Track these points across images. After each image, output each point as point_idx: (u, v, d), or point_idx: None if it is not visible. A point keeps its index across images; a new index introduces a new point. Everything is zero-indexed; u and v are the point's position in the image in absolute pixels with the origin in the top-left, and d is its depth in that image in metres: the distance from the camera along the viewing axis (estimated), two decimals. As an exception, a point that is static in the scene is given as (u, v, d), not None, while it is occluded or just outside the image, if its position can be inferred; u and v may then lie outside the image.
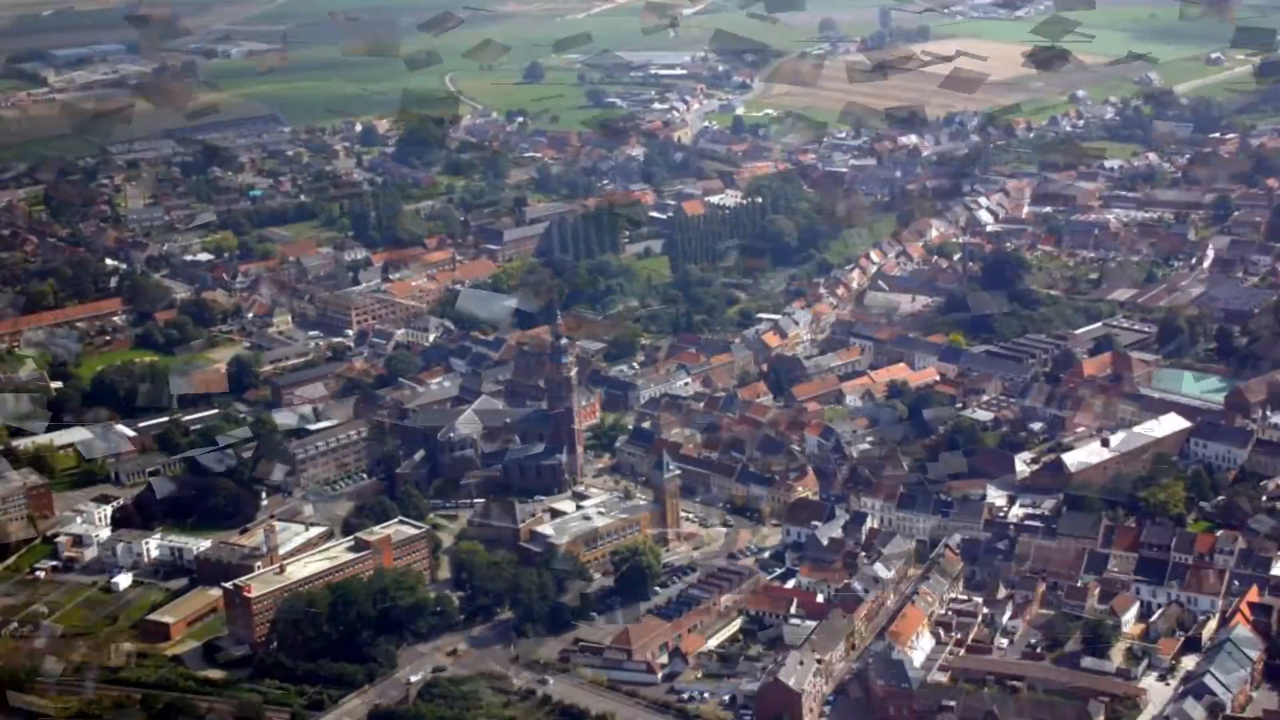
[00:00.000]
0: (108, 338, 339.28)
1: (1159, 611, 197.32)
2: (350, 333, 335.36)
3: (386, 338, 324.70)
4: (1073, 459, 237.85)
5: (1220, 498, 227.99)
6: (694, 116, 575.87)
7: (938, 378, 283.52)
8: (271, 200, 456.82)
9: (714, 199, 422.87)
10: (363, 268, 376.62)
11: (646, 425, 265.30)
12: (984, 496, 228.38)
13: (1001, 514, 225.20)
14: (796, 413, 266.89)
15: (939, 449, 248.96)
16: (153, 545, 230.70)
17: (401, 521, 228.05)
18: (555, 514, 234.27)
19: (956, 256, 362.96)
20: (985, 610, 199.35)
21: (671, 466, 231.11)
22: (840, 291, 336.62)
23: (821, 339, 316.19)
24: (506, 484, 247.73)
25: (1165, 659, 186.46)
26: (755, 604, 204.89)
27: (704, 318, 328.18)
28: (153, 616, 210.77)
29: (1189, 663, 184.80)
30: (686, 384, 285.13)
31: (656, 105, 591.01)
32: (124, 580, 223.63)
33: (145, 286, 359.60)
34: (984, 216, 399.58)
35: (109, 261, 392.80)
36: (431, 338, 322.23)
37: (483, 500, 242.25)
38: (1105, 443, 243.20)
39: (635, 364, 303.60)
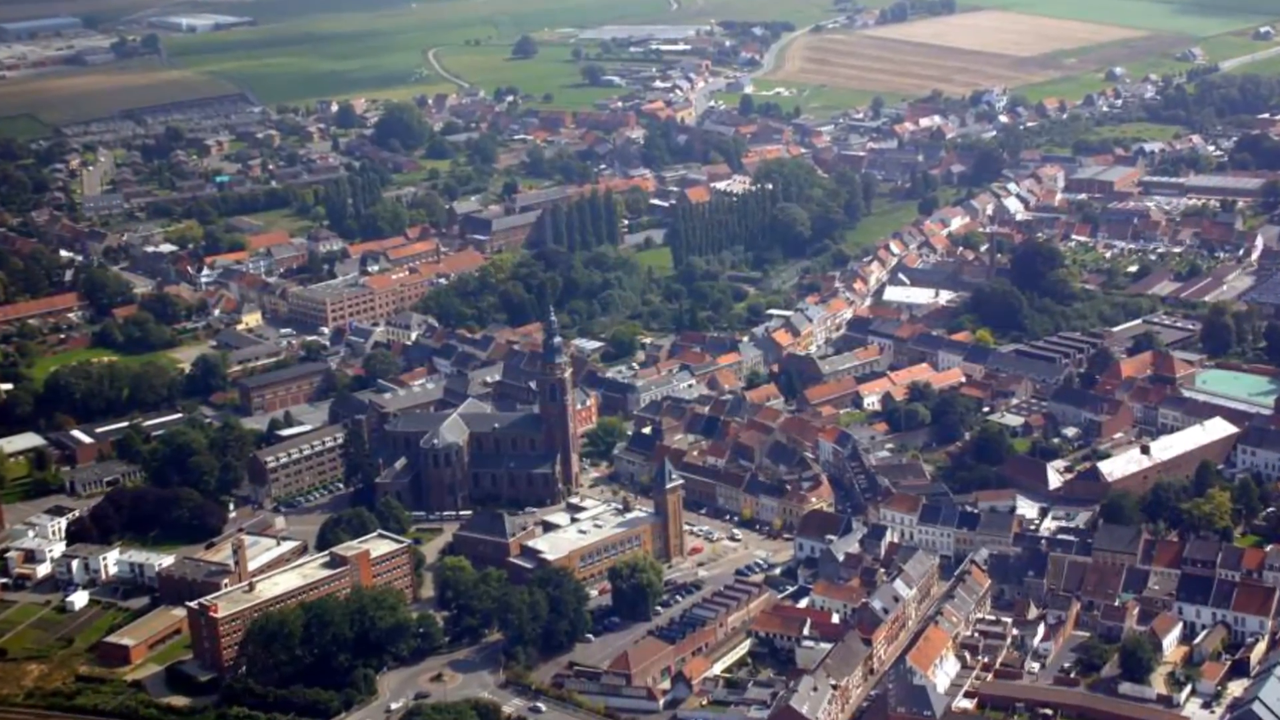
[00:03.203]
0: (62, 336, 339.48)
1: (1203, 633, 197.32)
2: (325, 330, 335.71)
3: (365, 335, 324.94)
4: (1110, 467, 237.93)
5: (1270, 509, 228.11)
6: (698, 96, 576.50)
7: (963, 379, 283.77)
8: (240, 186, 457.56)
9: (720, 185, 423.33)
10: (339, 260, 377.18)
11: (647, 430, 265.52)
12: (1013, 508, 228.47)
13: (1032, 527, 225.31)
14: (810, 417, 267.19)
15: (965, 456, 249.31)
16: (111, 561, 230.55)
17: (381, 535, 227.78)
18: (548, 527, 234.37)
19: (983, 247, 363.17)
20: (1015, 632, 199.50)
21: (674, 475, 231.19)
22: (857, 286, 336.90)
23: (837, 337, 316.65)
24: (495, 494, 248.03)
25: (1210, 684, 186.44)
26: (765, 625, 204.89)
27: (709, 314, 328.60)
28: (111, 638, 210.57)
29: (1236, 688, 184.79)
30: (690, 386, 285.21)
31: (658, 84, 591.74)
32: (80, 599, 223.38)
33: (103, 280, 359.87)
34: (1013, 204, 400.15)
35: (63, 253, 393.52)
36: (414, 335, 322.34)
37: (469, 512, 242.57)
38: (1145, 450, 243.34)
39: (635, 364, 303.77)
